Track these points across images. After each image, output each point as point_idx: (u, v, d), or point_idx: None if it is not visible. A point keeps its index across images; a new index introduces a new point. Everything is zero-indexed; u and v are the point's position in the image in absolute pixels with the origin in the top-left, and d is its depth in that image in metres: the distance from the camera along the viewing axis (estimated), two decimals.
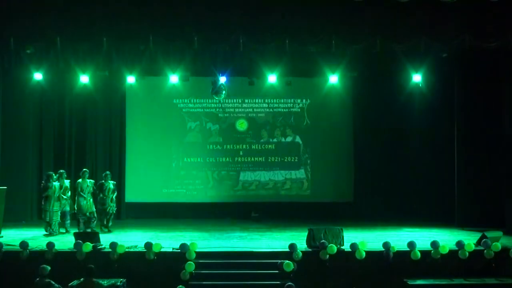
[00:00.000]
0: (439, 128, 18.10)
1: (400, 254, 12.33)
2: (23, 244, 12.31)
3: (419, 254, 12.27)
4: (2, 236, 14.19)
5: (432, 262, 12.33)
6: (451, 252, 12.41)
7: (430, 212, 17.99)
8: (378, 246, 12.56)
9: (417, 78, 16.86)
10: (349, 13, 13.67)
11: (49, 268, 10.11)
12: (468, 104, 16.59)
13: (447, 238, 13.86)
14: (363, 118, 18.86)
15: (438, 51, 15.51)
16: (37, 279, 10.00)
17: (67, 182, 15.45)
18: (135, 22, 13.86)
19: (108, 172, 16.07)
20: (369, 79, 18.16)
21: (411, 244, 12.43)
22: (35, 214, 17.90)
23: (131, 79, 17.58)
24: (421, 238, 13.76)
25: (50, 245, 12.27)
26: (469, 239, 13.16)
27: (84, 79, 17.03)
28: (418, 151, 18.53)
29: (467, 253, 12.39)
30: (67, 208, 15.32)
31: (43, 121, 18.38)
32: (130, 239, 14.01)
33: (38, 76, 16.80)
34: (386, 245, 12.37)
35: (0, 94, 17.14)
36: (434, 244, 12.46)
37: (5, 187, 15.01)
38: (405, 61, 16.35)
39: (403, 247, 12.50)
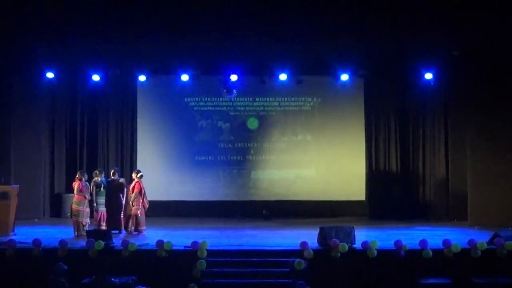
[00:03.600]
0: (452, 126, 18.06)
1: (412, 252, 12.28)
2: (36, 242, 12.36)
3: (431, 253, 12.21)
4: (15, 234, 14.25)
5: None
6: (463, 250, 12.35)
7: (442, 210, 17.96)
8: (389, 245, 12.50)
9: (428, 76, 16.82)
10: (360, 11, 13.63)
11: (65, 266, 10.13)
12: (481, 102, 16.50)
13: (459, 237, 13.78)
14: (374, 116, 18.81)
15: (450, 49, 15.46)
16: (52, 276, 10.03)
17: (103, 180, 15.39)
18: (146, 20, 13.91)
19: (116, 168, 16.04)
20: (380, 77, 18.09)
21: (423, 243, 12.39)
22: (47, 212, 18.02)
23: (142, 78, 17.62)
24: (433, 236, 13.70)
25: (62, 243, 12.32)
26: (482, 237, 13.08)
27: (95, 77, 17.08)
28: (430, 149, 18.48)
29: (480, 252, 12.32)
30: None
31: (55, 120, 18.49)
32: (141, 237, 14.08)
33: (50, 75, 16.88)
34: (397, 243, 12.32)
35: (13, 93, 17.22)
36: (446, 242, 12.40)
37: (18, 185, 15.09)
38: (417, 59, 16.33)
39: (415, 245, 12.45)
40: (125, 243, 12.33)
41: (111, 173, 15.47)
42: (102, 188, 14.85)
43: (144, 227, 14.85)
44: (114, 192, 14.96)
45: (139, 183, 14.92)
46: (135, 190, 14.83)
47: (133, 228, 14.76)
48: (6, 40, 14.95)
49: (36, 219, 17.21)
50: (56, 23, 13.93)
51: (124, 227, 14.85)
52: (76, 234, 14.22)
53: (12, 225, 14.54)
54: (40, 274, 11.19)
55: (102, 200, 14.84)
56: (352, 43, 15.34)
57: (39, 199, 17.72)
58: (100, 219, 14.74)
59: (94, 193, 14.71)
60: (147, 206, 15.06)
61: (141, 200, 14.82)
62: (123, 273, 11.34)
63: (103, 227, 14.56)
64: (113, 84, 17.98)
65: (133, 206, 14.79)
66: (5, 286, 11.86)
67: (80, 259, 11.97)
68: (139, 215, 14.79)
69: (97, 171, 15.19)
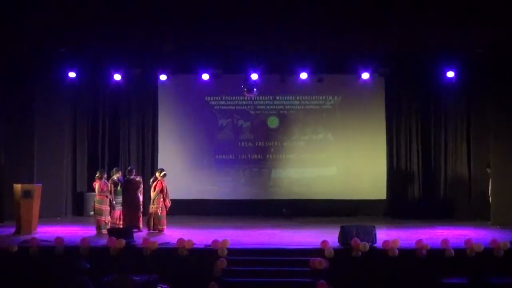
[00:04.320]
0: (474, 125, 17.93)
1: (434, 252, 12.20)
2: (58, 240, 12.47)
3: (453, 252, 12.12)
4: (37, 232, 14.38)
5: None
6: (486, 250, 12.24)
7: (464, 210, 17.81)
8: (411, 244, 12.44)
9: (451, 74, 16.69)
10: (381, 8, 13.54)
11: (87, 265, 10.18)
12: (504, 101, 16.36)
13: (481, 236, 13.68)
14: (395, 115, 18.74)
15: (473, 46, 15.33)
16: (74, 274, 10.08)
17: (121, 179, 15.44)
18: (166, 19, 13.94)
19: (133, 167, 16.09)
20: (402, 75, 18.02)
21: (445, 242, 12.31)
22: (69, 211, 18.17)
23: (163, 77, 17.66)
24: (455, 236, 13.61)
25: (84, 241, 12.42)
26: (505, 237, 12.97)
27: (117, 77, 17.17)
28: (452, 148, 18.35)
29: (502, 251, 12.21)
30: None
31: (77, 119, 18.63)
32: (162, 235, 14.15)
33: (72, 74, 16.99)
34: (419, 243, 12.25)
35: (36, 92, 17.36)
36: (468, 242, 12.30)
37: (40, 184, 15.23)
38: (439, 57, 16.23)
39: (436, 244, 12.38)
40: (146, 241, 12.39)
41: (127, 171, 15.54)
42: (119, 187, 14.94)
43: (165, 226, 14.89)
44: (132, 190, 15.04)
45: (161, 182, 14.96)
46: (156, 189, 14.88)
47: (153, 226, 14.82)
48: (29, 40, 15.11)
49: (58, 218, 17.36)
50: (77, 23, 14.02)
51: (147, 225, 14.90)
52: (97, 232, 14.31)
53: (35, 224, 14.69)
54: (62, 272, 11.24)
55: (119, 198, 14.94)
56: (373, 41, 15.26)
57: (61, 198, 17.86)
58: (117, 218, 14.83)
59: (112, 191, 14.80)
60: (169, 205, 15.09)
61: (161, 199, 14.86)
62: (144, 272, 11.37)
63: (119, 225, 14.65)
64: (134, 83, 18.05)
65: (153, 204, 14.84)
66: (28, 283, 11.98)
67: (101, 257, 12.04)
68: (159, 214, 14.83)
69: (114, 170, 15.27)
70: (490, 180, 16.66)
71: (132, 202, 14.96)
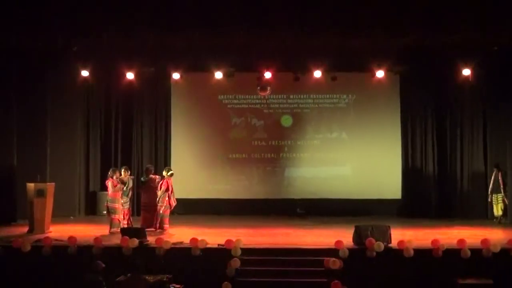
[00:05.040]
0: (491, 124, 17.82)
1: (450, 252, 12.11)
2: (71, 239, 12.50)
3: (469, 252, 12.03)
4: (51, 231, 14.43)
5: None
6: (503, 250, 12.14)
7: (481, 209, 17.70)
8: (427, 244, 12.36)
9: (467, 72, 16.57)
10: (396, 5, 13.47)
11: (103, 265, 10.19)
12: None
13: (499, 237, 13.57)
14: (410, 113, 18.68)
15: (489, 44, 15.21)
16: (89, 274, 10.10)
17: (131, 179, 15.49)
18: (180, 17, 13.94)
19: (149, 166, 16.12)
20: (417, 73, 17.90)
21: (461, 242, 12.21)
22: (82, 210, 18.23)
23: (176, 75, 17.67)
24: (472, 236, 13.52)
25: (98, 240, 12.44)
26: None
27: (129, 75, 17.18)
28: (469, 147, 18.25)
29: None
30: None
31: (90, 118, 18.70)
32: (176, 235, 14.14)
33: (84, 73, 17.02)
34: (435, 242, 12.17)
35: (49, 91, 17.43)
36: (485, 242, 12.20)
37: (53, 183, 15.27)
38: (455, 54, 16.11)
39: (453, 245, 12.29)
40: (159, 241, 12.39)
41: (145, 170, 15.59)
42: (126, 186, 14.94)
43: (167, 225, 14.86)
44: (152, 190, 15.05)
45: (168, 181, 14.93)
46: (162, 188, 14.86)
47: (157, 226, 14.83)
48: (42, 38, 15.15)
49: (71, 217, 17.44)
50: (90, 21, 14.06)
51: (151, 225, 14.90)
52: (110, 230, 14.34)
53: (48, 223, 14.74)
54: (75, 271, 11.29)
55: (125, 198, 14.94)
56: (387, 39, 15.18)
57: (74, 197, 17.94)
58: (123, 217, 14.84)
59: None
60: (174, 205, 15.06)
61: (167, 198, 14.83)
62: (158, 271, 11.39)
63: (125, 225, 14.66)
64: (147, 82, 18.08)
65: (158, 203, 14.83)
66: (41, 282, 12.02)
67: (114, 256, 12.05)
68: (163, 213, 14.80)
69: (123, 169, 15.25)
70: (492, 179, 16.82)
71: (151, 203, 14.98)
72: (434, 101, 18.54)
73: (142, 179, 15.66)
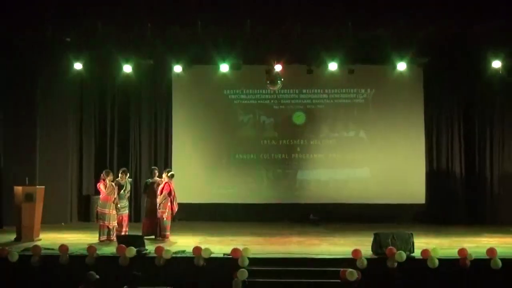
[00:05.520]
0: None
1: (479, 262, 12.06)
2: (63, 248, 12.50)
3: (500, 263, 11.97)
4: (40, 239, 14.44)
5: None
6: None
7: None
8: (453, 253, 12.31)
9: (497, 64, 16.49)
10: None
11: (97, 276, 10.19)
12: None
13: None
14: (435, 110, 18.67)
15: None
16: (82, 286, 10.10)
17: (130, 181, 15.47)
18: (181, 5, 13.94)
19: (154, 167, 16.12)
20: (442, 66, 17.90)
21: (491, 251, 12.15)
22: (75, 216, 18.27)
23: (177, 68, 17.68)
24: (503, 244, 13.48)
25: (91, 249, 12.44)
26: None
27: (127, 68, 17.19)
28: (499, 147, 18.24)
29: None
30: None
31: (84, 115, 18.75)
32: (177, 243, 14.13)
33: (78, 66, 17.03)
34: (462, 252, 12.12)
35: (38, 86, 17.45)
36: None
37: (43, 186, 15.28)
38: (484, 44, 16.05)
39: (482, 254, 12.23)
40: (159, 250, 12.38)
41: (151, 172, 15.62)
42: (123, 191, 14.92)
43: (168, 233, 14.83)
44: (155, 194, 15.04)
45: (169, 184, 14.90)
46: (163, 192, 14.81)
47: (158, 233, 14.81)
48: (32, 27, 15.16)
49: (63, 223, 17.48)
50: (84, 8, 14.07)
51: (153, 232, 14.88)
52: (99, 238, 14.33)
53: (37, 230, 14.74)
54: (67, 283, 11.30)
55: (123, 202, 14.90)
56: (410, 28, 15.14)
57: (66, 201, 17.97)
58: (119, 223, 14.78)
59: (117, 194, 14.79)
60: (175, 210, 15.01)
61: (169, 203, 14.80)
62: (157, 283, 11.37)
63: (124, 232, 14.66)
64: (146, 75, 18.15)
65: (159, 209, 14.81)
66: None
67: (110, 267, 12.02)
68: (165, 219, 14.77)
69: (121, 172, 15.23)
70: None
71: (152, 208, 14.96)
72: (461, 96, 18.54)
73: (147, 181, 15.68)
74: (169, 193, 14.77)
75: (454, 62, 17.76)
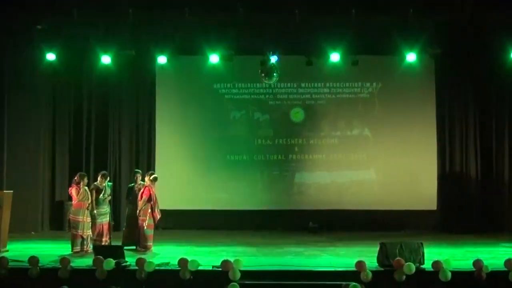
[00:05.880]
0: None
1: (496, 275, 12.09)
2: (33, 260, 12.47)
3: None
4: (7, 250, 14.41)
5: None
6: None
7: None
8: (467, 265, 12.34)
9: None
10: None
11: None
12: None
13: None
14: (448, 106, 18.70)
15: None
16: None
17: (109, 185, 15.44)
18: None
19: (138, 170, 16.09)
20: (457, 57, 17.92)
21: (510, 263, 12.18)
22: (46, 224, 18.24)
23: (162, 59, 17.63)
24: None
25: (64, 261, 12.41)
26: None
27: (105, 59, 17.17)
28: None
29: None
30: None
31: (57, 111, 18.71)
32: (161, 254, 14.13)
33: (51, 56, 16.98)
34: (477, 263, 12.14)
35: (5, 80, 17.41)
36: None
37: (11, 191, 15.23)
38: (503, 33, 16.07)
39: (499, 266, 12.26)
40: (140, 262, 12.36)
41: (134, 176, 15.57)
42: (102, 195, 14.88)
43: (151, 243, 14.82)
44: (137, 200, 15.01)
45: (149, 189, 14.84)
46: (143, 197, 14.80)
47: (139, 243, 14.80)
48: None
49: (33, 232, 17.46)
50: None
51: (134, 242, 14.86)
52: (72, 250, 14.29)
53: (4, 240, 14.69)
54: None
55: (103, 209, 14.87)
56: (421, 15, 15.16)
57: (37, 208, 17.97)
58: (99, 233, 14.76)
59: (93, 200, 14.75)
60: (158, 217, 14.96)
61: (149, 210, 14.76)
62: None
63: (105, 242, 14.64)
64: (127, 67, 18.09)
65: (139, 216, 14.79)
66: None
67: (85, 281, 12.02)
68: (145, 228, 14.74)
69: (100, 175, 15.18)
70: None
71: (135, 215, 14.92)
72: (477, 91, 18.54)
73: (129, 186, 15.67)
74: (149, 199, 14.73)
75: (470, 53, 17.76)
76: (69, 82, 18.68)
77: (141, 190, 14.89)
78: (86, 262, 12.82)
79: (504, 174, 18.34)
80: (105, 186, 15.00)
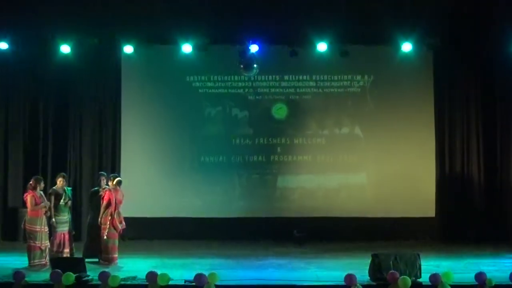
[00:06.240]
0: None
1: None
2: None
3: None
4: None
5: None
6: None
7: None
8: (469, 278, 12.38)
9: None
10: None
11: None
12: None
13: None
14: (447, 101, 18.79)
15: None
16: None
17: (68, 190, 15.38)
18: None
19: (102, 173, 16.03)
20: (457, 47, 17.98)
21: None
22: None
23: (128, 49, 17.64)
24: None
25: (18, 275, 12.33)
26: None
27: (65, 49, 17.11)
28: None
29: None
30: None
31: (10, 107, 18.61)
32: (127, 267, 14.10)
33: (2, 45, 16.95)
34: (480, 277, 12.18)
35: None
36: None
37: None
38: (507, 23, 16.16)
39: (505, 279, 12.31)
40: (104, 276, 12.31)
41: (98, 179, 15.50)
42: (63, 201, 14.79)
43: (116, 255, 14.75)
44: (99, 206, 14.94)
45: (110, 193, 14.71)
46: (103, 202, 14.73)
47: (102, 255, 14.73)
48: None
49: None
50: None
51: (97, 254, 14.79)
52: (30, 263, 14.20)
53: None
54: None
55: (63, 217, 14.77)
56: (417, 1, 15.22)
57: None
58: (60, 243, 14.68)
59: (52, 206, 14.65)
60: (119, 226, 14.82)
61: (109, 217, 14.68)
62: None
63: (66, 254, 14.55)
64: (89, 57, 18.02)
65: (101, 224, 14.72)
66: None
67: None
68: (107, 237, 14.65)
69: (59, 178, 15.09)
70: None
71: (97, 223, 14.83)
72: (479, 85, 18.65)
73: (92, 190, 15.62)
74: (108, 204, 14.63)
75: (472, 43, 17.83)
76: (23, 74, 18.58)
77: (103, 195, 14.81)
78: (43, 276, 12.76)
79: (510, 177, 18.42)
80: (64, 191, 14.92)
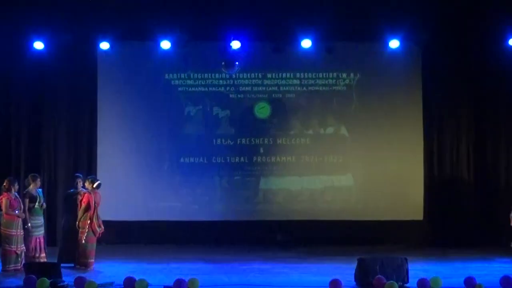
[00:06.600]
0: None
1: None
2: None
3: None
4: None
5: None
6: None
7: None
8: (458, 283, 12.49)
9: None
10: None
11: None
12: None
13: None
14: (436, 100, 18.84)
15: None
16: None
17: (39, 192, 15.36)
18: None
19: (78, 175, 16.03)
20: (446, 44, 18.06)
21: (506, 280, 12.36)
22: None
23: (104, 45, 17.64)
24: None
25: None
26: None
27: (38, 45, 17.10)
28: None
29: None
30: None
31: None
32: (103, 272, 14.11)
33: None
34: (470, 281, 12.31)
35: None
36: None
37: None
38: (498, 16, 16.25)
39: (495, 284, 12.42)
40: (80, 281, 12.35)
41: (75, 181, 15.46)
42: (38, 203, 14.79)
43: (92, 259, 14.79)
44: (76, 209, 14.97)
45: (88, 196, 14.75)
46: (82, 205, 14.79)
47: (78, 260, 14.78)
48: None
49: None
50: None
51: (72, 258, 14.83)
52: (5, 268, 14.21)
53: None
54: None
55: (38, 220, 14.79)
56: None
57: None
58: (36, 248, 14.66)
59: (26, 209, 14.67)
60: (98, 230, 14.86)
61: (88, 221, 14.71)
62: None
63: (42, 259, 14.57)
64: (63, 54, 17.96)
65: (78, 228, 14.77)
66: None
67: None
68: (84, 242, 14.69)
69: (30, 178, 15.08)
70: None
71: (73, 227, 14.85)
72: (469, 84, 18.71)
73: (67, 193, 15.61)
74: (87, 207, 14.67)
75: (463, 40, 17.93)
76: None
77: (81, 198, 14.83)
78: (16, 282, 12.78)
79: (501, 179, 18.52)
80: (38, 192, 14.92)
